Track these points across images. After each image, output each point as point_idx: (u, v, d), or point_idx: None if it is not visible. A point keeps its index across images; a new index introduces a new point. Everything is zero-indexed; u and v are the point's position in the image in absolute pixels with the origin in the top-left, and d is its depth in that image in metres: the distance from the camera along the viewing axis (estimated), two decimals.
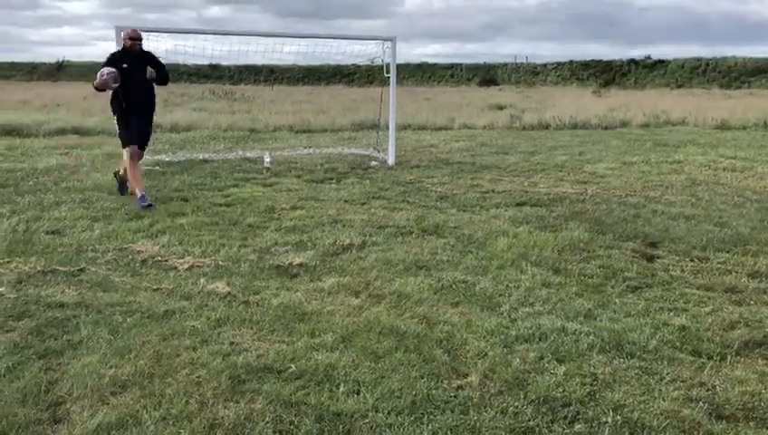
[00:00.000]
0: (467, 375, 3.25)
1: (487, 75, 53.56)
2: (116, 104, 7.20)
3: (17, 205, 6.97)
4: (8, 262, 4.92)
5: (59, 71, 58.24)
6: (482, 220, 6.63)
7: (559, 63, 53.14)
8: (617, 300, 4.36)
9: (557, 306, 4.21)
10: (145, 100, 7.33)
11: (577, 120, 18.20)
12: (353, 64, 45.93)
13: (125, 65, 7.05)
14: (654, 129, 17.59)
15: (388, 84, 11.03)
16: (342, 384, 3.11)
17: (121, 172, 7.68)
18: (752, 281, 4.78)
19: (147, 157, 10.39)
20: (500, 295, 4.40)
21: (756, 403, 3.04)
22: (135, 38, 7.21)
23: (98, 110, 17.35)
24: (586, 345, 3.58)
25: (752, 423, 2.88)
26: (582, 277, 4.80)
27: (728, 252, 5.49)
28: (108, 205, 7.07)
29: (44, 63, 60.68)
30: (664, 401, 3.04)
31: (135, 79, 7.10)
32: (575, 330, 3.78)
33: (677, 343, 3.66)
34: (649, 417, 2.89)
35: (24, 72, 56.83)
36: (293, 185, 8.66)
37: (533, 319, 3.96)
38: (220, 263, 5.02)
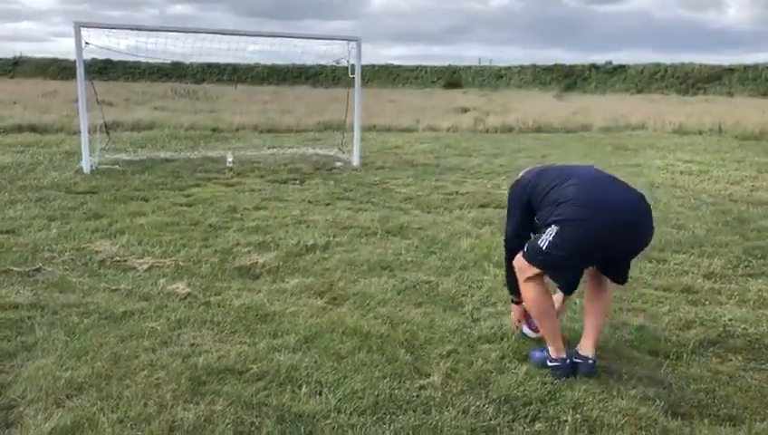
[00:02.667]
0: (430, 375, 3.26)
1: (452, 78, 53.76)
2: None
3: None
4: None
5: (15, 66, 56.82)
6: (445, 221, 6.67)
7: (522, 67, 53.57)
8: (577, 300, 4.41)
9: None
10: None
11: (540, 124, 18.41)
12: (318, 65, 45.90)
13: None
14: (614, 133, 17.89)
15: (354, 85, 11.02)
16: (305, 385, 3.10)
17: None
18: (707, 281, 4.90)
19: (106, 156, 10.21)
20: (463, 296, 4.43)
21: (710, 401, 3.11)
22: None
23: (56, 107, 16.95)
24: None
25: (706, 420, 2.94)
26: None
27: (685, 253, 5.62)
28: (65, 204, 6.91)
29: (0, 59, 59.11)
30: (622, 399, 3.09)
31: None
32: None
33: (636, 343, 3.73)
34: (608, 415, 2.94)
35: None
36: (257, 185, 8.59)
37: (495, 319, 3.99)
38: (181, 263, 4.95)
